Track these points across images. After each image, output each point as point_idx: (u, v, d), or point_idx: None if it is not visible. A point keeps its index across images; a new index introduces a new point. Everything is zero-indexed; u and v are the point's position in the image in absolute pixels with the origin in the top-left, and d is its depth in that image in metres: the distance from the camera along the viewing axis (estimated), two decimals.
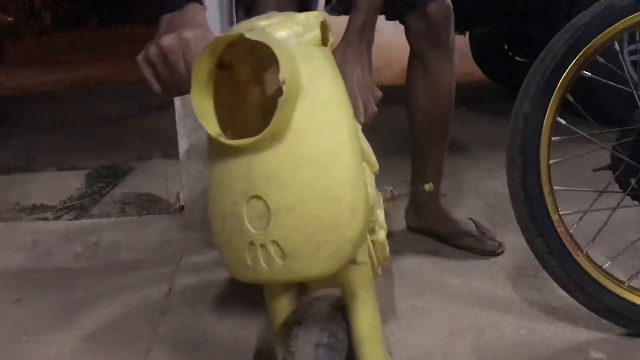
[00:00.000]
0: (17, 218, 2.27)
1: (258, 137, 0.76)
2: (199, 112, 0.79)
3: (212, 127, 0.79)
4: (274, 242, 0.78)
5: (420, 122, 1.74)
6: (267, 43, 0.74)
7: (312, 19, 0.82)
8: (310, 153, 0.77)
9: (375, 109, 1.24)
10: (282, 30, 0.80)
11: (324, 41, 0.83)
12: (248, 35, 0.75)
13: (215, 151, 0.82)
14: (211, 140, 0.81)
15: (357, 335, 0.92)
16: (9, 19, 9.29)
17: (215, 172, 0.83)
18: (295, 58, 0.77)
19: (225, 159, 0.80)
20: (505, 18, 3.62)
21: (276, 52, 0.74)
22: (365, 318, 0.92)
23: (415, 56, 1.68)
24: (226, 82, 0.84)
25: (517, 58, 4.31)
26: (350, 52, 1.26)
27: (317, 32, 0.81)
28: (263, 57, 0.75)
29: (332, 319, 0.91)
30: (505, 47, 4.34)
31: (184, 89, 0.89)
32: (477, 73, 4.52)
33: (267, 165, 0.77)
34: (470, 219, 1.83)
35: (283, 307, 0.95)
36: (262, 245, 0.78)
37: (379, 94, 1.27)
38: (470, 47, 4.47)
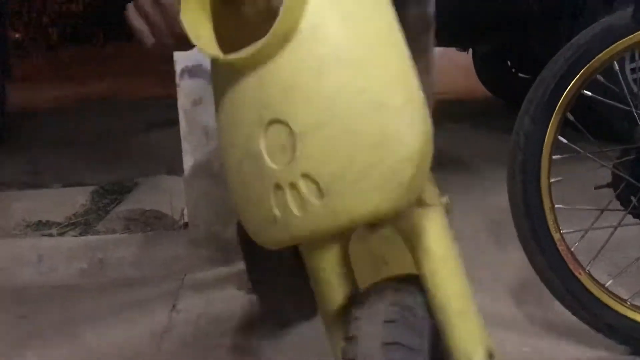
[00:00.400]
0: (22, 234, 2.28)
1: (263, 40, 0.59)
2: (193, 34, 0.63)
3: (210, 48, 0.63)
4: (304, 175, 0.60)
5: None
6: None
7: None
8: (336, 50, 0.60)
9: None
10: None
11: None
12: None
13: (220, 82, 0.66)
14: (215, 72, 0.66)
15: (441, 310, 0.67)
16: (16, 35, 9.36)
17: (222, 109, 0.65)
18: None
19: (231, 86, 0.63)
20: (507, 34, 3.64)
21: None
22: (449, 284, 0.67)
23: None
24: (236, 22, 0.70)
25: (520, 74, 4.32)
26: None
27: None
28: None
29: (405, 292, 0.68)
30: (509, 63, 4.35)
31: (181, 37, 0.69)
32: (480, 89, 4.54)
33: (283, 76, 0.60)
34: None
35: (336, 279, 0.71)
36: (292, 185, 0.61)
37: None
38: (474, 64, 4.49)
